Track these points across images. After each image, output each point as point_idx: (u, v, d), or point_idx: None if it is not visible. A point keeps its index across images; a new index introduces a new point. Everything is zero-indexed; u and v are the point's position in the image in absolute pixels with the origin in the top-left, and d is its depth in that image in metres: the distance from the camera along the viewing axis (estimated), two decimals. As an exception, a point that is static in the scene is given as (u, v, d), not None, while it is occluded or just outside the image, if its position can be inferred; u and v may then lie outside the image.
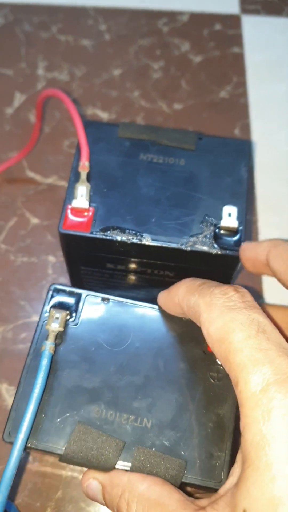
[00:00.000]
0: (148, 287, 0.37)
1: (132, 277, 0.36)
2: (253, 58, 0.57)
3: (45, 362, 0.27)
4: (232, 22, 0.60)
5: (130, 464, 0.25)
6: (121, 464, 0.25)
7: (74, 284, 0.39)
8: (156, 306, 0.30)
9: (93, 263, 0.34)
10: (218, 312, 0.23)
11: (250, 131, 0.51)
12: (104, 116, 0.51)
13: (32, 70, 0.54)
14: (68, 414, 0.27)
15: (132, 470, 0.25)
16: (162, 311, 0.30)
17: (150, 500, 0.23)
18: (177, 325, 0.29)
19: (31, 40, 0.57)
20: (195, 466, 0.26)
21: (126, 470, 0.25)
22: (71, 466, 0.35)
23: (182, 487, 0.25)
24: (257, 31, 0.60)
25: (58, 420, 0.27)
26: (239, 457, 0.22)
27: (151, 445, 0.26)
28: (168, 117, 0.52)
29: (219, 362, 0.28)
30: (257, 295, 0.43)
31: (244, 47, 0.58)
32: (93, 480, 0.25)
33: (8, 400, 0.38)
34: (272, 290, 0.43)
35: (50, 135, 0.50)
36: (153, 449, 0.26)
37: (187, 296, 0.26)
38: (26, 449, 0.26)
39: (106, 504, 0.25)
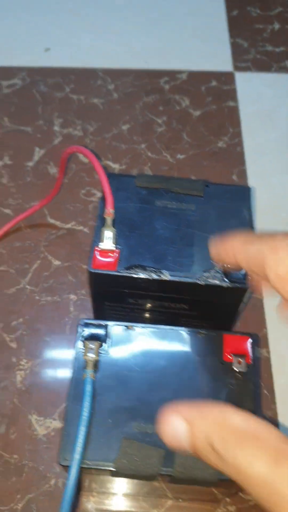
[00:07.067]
0: (165, 320, 0.41)
1: (151, 311, 0.40)
2: (246, 110, 0.63)
3: (89, 388, 0.30)
4: (226, 79, 0.66)
5: (171, 470, 0.29)
6: (164, 470, 0.29)
7: (97, 318, 0.43)
8: (176, 327, 0.34)
9: (116, 299, 0.38)
10: (286, 253, 0.23)
11: (246, 176, 0.56)
12: (115, 167, 0.56)
13: (48, 127, 0.60)
14: (112, 433, 0.30)
15: (174, 474, 0.29)
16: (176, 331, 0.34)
17: (247, 433, 0.20)
18: (196, 341, 0.34)
19: (47, 99, 0.63)
20: None
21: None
22: (96, 491, 0.38)
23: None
24: (249, 86, 0.66)
25: (105, 439, 0.30)
26: None
27: None
28: (172, 166, 0.57)
29: (236, 369, 0.32)
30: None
31: (238, 100, 0.64)
32: (176, 419, 0.21)
33: (38, 430, 0.41)
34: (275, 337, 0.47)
35: (68, 185, 0.54)
36: None
37: (245, 247, 0.26)
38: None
39: (192, 444, 0.21)
